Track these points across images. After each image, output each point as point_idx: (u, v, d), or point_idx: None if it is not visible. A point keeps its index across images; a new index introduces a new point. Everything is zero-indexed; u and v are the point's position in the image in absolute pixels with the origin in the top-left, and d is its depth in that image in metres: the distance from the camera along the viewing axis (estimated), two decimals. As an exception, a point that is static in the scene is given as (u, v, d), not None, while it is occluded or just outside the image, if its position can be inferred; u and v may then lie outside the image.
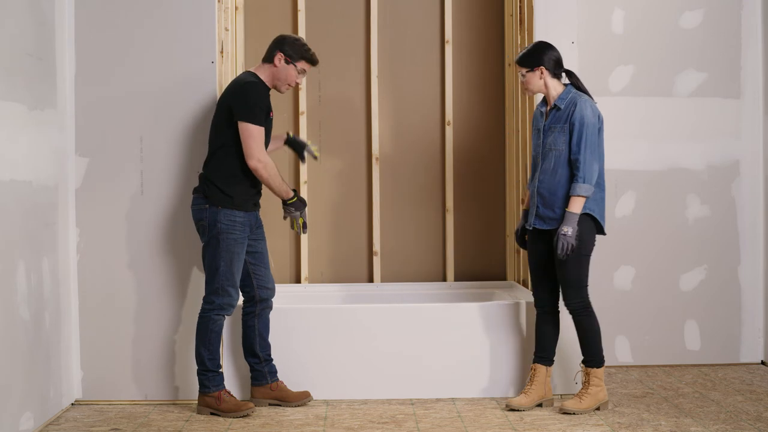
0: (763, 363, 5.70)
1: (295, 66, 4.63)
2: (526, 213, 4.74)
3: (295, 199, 4.70)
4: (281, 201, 4.72)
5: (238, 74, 5.41)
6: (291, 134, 5.07)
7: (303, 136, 5.75)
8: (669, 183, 5.70)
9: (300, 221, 4.74)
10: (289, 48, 4.63)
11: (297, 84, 4.69)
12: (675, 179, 5.70)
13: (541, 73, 4.58)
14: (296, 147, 5.05)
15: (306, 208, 4.85)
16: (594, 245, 4.61)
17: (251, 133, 4.51)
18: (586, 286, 4.60)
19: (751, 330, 5.71)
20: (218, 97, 4.77)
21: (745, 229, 5.72)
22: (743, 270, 5.72)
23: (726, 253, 5.72)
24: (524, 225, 4.76)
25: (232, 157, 4.57)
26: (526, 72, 4.59)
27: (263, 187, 4.70)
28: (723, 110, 5.71)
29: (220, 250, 4.55)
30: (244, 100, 4.52)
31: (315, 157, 5.08)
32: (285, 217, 4.81)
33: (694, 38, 5.69)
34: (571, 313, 4.61)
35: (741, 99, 5.71)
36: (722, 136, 5.72)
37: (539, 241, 4.67)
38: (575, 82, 4.63)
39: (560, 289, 4.64)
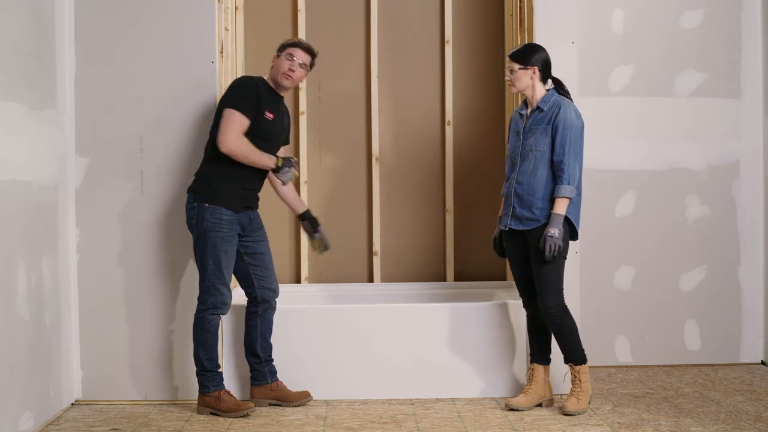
0: (763, 363, 5.70)
1: (281, 55, 4.67)
2: (501, 219, 4.72)
3: (281, 161, 4.65)
4: (272, 171, 4.67)
5: (238, 74, 5.43)
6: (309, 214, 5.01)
7: (303, 135, 5.75)
8: (669, 183, 5.70)
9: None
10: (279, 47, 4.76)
11: (292, 71, 4.63)
12: (675, 179, 5.70)
13: (533, 73, 4.59)
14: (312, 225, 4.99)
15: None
16: (569, 247, 4.62)
17: (227, 118, 4.53)
18: (563, 288, 4.59)
19: (751, 330, 5.71)
20: (218, 99, 4.79)
21: (745, 229, 5.72)
22: (743, 270, 5.72)
23: (726, 253, 5.72)
24: (501, 231, 4.74)
25: (224, 155, 4.55)
26: (519, 68, 4.60)
27: (259, 191, 4.74)
28: (723, 110, 5.71)
29: (207, 248, 4.56)
30: (229, 89, 4.62)
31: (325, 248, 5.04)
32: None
33: (694, 38, 5.69)
34: (548, 315, 4.56)
35: (741, 99, 5.71)
36: (722, 136, 5.71)
37: (517, 243, 4.66)
38: (559, 90, 4.64)
39: (537, 292, 4.61)
